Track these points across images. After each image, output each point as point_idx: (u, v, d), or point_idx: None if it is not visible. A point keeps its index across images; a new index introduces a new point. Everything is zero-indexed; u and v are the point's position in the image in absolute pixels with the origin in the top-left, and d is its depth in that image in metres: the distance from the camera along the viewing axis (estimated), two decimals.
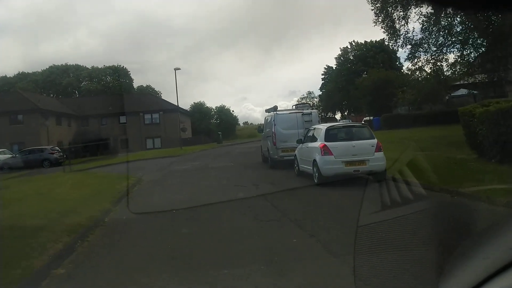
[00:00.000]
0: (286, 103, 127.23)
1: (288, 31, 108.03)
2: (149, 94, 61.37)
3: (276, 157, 16.60)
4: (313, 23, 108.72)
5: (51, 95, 64.24)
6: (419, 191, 7.11)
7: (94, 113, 52.71)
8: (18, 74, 71.30)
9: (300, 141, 14.43)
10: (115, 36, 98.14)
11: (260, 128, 21.84)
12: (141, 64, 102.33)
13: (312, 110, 18.23)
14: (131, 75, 74.60)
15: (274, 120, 16.90)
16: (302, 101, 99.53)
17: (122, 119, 52.75)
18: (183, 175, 17.53)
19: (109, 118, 52.70)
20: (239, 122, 71.28)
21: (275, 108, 18.04)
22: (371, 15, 21.33)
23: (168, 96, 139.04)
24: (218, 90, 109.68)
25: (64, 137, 48.40)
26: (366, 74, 55.68)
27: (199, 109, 65.44)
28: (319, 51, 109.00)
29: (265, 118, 19.94)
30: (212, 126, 66.37)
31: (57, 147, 32.50)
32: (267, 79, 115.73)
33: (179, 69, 35.23)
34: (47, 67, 70.62)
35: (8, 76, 71.04)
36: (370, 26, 50.49)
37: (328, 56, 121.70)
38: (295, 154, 14.56)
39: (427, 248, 4.62)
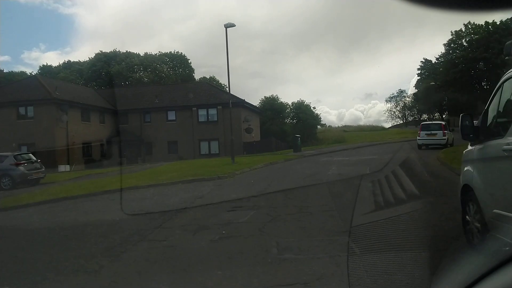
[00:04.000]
0: (363, 106, 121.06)
1: (368, 33, 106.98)
2: (205, 84, 50.07)
3: None
4: (394, 24, 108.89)
5: (96, 86, 55.43)
6: None
7: (135, 107, 42.29)
8: (64, 63, 64.04)
9: None
10: (195, 40, 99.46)
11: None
12: (219, 68, 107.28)
13: None
14: (192, 65, 64.25)
15: None
16: (392, 101, 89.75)
17: (171, 115, 41.81)
18: None
19: (154, 114, 41.96)
20: (321, 122, 57.72)
21: None
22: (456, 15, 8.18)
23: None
24: (292, 92, 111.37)
25: (93, 136, 38.27)
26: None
27: (271, 105, 53.02)
28: (398, 53, 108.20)
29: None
30: (287, 127, 53.66)
31: (30, 154, 21.55)
32: (343, 81, 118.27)
33: (233, 25, 22.84)
34: (94, 54, 62.40)
35: (53, 66, 64.18)
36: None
37: (408, 58, 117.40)
38: None
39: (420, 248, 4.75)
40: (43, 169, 20.81)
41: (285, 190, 11.67)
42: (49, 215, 10.95)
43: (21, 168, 19.41)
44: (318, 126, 57.59)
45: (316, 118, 54.37)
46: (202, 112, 41.58)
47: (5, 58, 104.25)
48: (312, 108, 54.38)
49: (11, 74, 58.26)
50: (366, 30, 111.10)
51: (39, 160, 21.11)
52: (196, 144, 40.73)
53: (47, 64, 64.91)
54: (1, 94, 35.41)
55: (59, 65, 63.55)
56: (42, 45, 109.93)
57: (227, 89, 53.84)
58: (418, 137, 26.34)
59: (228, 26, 22.80)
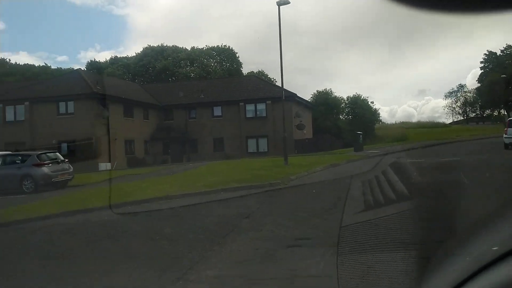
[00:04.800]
0: (416, 103, 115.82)
1: (420, 27, 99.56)
2: (254, 77, 46.97)
3: None
4: (449, 18, 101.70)
5: (142, 82, 53.78)
6: None
7: (180, 102, 39.87)
8: (111, 58, 62.97)
9: None
10: (243, 38, 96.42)
11: None
12: (266, 65, 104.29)
13: None
14: (239, 58, 61.40)
15: None
16: (451, 96, 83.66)
17: (217, 110, 39.04)
18: None
19: (199, 110, 39.36)
20: (380, 118, 53.10)
21: None
22: None
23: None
24: (341, 88, 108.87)
25: (136, 133, 36.17)
26: None
27: (324, 100, 49.22)
28: (453, 47, 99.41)
29: None
30: (342, 123, 49.75)
31: (57, 153, 19.11)
32: (394, 78, 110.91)
33: (287, 2, 19.48)
34: (141, 49, 60.96)
35: (101, 61, 63.33)
36: None
37: (463, 52, 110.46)
38: None
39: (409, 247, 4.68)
40: (71, 170, 18.38)
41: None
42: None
43: (44, 169, 17.01)
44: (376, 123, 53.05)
45: (374, 114, 50.07)
46: (249, 107, 38.56)
47: (63, 58, 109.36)
48: (370, 103, 50.07)
49: (59, 71, 57.81)
50: (418, 24, 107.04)
51: (66, 160, 18.70)
52: (243, 141, 37.79)
53: (95, 59, 64.27)
54: (43, 89, 33.96)
55: (107, 61, 62.61)
56: (98, 45, 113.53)
57: (277, 83, 50.67)
58: (505, 135, 22.15)
59: (281, 3, 19.53)
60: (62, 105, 32.37)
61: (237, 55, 60.93)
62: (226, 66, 59.89)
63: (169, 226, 8.14)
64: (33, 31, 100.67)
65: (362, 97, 50.46)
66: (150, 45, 60.17)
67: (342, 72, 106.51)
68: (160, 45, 60.17)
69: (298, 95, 38.81)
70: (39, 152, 18.07)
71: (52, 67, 62.27)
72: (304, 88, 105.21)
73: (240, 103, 38.13)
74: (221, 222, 8.07)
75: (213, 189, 12.00)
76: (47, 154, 18.17)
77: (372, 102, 51.64)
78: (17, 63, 62.98)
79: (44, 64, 63.00)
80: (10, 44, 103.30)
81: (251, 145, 37.91)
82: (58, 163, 17.87)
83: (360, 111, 48.44)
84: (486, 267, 1.47)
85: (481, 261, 1.51)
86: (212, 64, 59.75)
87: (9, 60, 62.95)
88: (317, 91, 51.70)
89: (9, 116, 33.21)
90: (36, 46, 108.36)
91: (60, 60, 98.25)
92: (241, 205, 9.83)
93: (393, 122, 79.26)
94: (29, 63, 64.08)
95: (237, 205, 9.83)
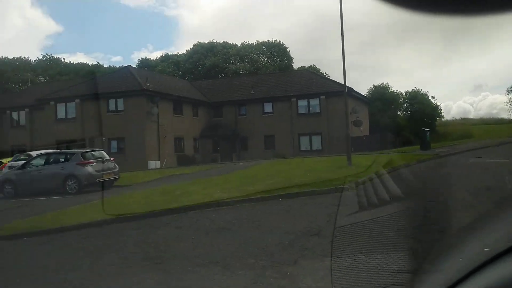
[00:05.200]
0: (473, 98, 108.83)
1: (476, 21, 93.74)
2: (306, 72, 44.89)
3: None
4: (507, 8, 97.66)
5: (192, 79, 53.09)
6: None
7: (230, 99, 38.62)
8: (162, 56, 62.90)
9: None
10: (293, 35, 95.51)
11: None
12: (316, 62, 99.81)
13: None
14: (290, 53, 59.48)
15: None
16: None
17: (268, 107, 37.41)
18: None
19: (250, 106, 37.90)
20: (442, 113, 49.38)
21: None
22: None
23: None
24: (394, 84, 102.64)
25: (186, 130, 35.23)
26: None
27: (381, 95, 46.51)
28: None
29: None
30: (400, 119, 46.84)
31: (103, 151, 18.00)
32: (449, 73, 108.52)
33: None
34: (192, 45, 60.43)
35: (151, 59, 63.44)
36: None
37: None
38: None
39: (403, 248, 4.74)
40: (117, 170, 17.30)
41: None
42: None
43: (88, 168, 15.99)
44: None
45: (435, 109, 46.61)
46: (302, 103, 36.65)
47: (118, 58, 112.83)
48: (431, 98, 46.75)
49: (111, 69, 58.25)
50: (474, 18, 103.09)
51: (112, 159, 17.65)
52: (295, 139, 35.96)
53: (145, 57, 64.44)
54: (93, 86, 33.68)
55: (157, 59, 62.60)
56: (150, 46, 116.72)
57: (330, 77, 48.14)
58: None
59: None
60: (112, 102, 31.84)
61: (287, 49, 59.13)
62: (277, 61, 58.18)
63: (221, 244, 6.55)
64: (89, 33, 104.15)
65: (421, 92, 47.24)
66: (200, 42, 59.54)
67: (394, 68, 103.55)
68: (210, 41, 59.37)
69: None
70: (84, 150, 17.12)
71: (105, 65, 63.00)
72: (356, 84, 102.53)
73: (292, 99, 36.32)
74: (285, 241, 6.37)
75: (270, 194, 10.32)
76: (92, 152, 17.19)
77: (433, 97, 48.03)
78: (71, 62, 64.24)
79: (97, 63, 63.93)
80: (67, 45, 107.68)
81: (304, 143, 36.02)
82: (103, 162, 16.84)
83: (420, 107, 45.27)
84: (478, 268, 1.49)
85: (474, 262, 1.53)
86: (262, 60, 58.23)
87: (64, 59, 64.30)
88: (373, 85, 49.05)
89: (60, 113, 33.14)
90: (92, 47, 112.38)
91: (114, 60, 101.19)
92: (306, 216, 8.10)
93: (449, 118, 74.83)
94: (82, 62, 65.30)
95: (301, 217, 8.11)
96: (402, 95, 48.86)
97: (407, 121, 46.56)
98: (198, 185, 13.36)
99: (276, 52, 58.64)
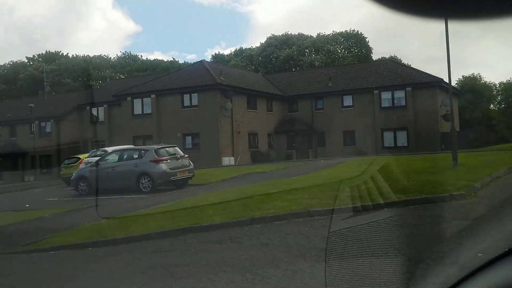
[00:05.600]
0: None
1: None
2: (389, 62, 41.79)
3: None
4: None
5: (265, 73, 51.92)
6: None
7: (306, 92, 36.84)
8: (235, 50, 62.34)
9: None
10: (366, 27, 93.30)
11: None
12: (396, 52, 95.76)
13: None
14: (369, 43, 56.40)
15: None
16: None
17: (347, 100, 35.18)
18: None
19: (327, 99, 35.88)
20: None
21: None
22: None
23: None
24: (485, 75, 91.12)
25: (260, 126, 34.02)
26: None
27: (471, 87, 42.42)
28: None
29: None
30: (493, 113, 42.50)
31: (177, 148, 16.91)
32: None
33: None
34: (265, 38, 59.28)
35: (225, 54, 63.17)
36: None
37: None
38: None
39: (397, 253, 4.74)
40: (192, 167, 16.27)
41: None
42: None
43: (162, 165, 15.05)
44: None
45: None
46: (385, 96, 33.98)
47: (192, 56, 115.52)
48: None
49: (185, 65, 58.62)
50: None
51: (186, 156, 16.65)
52: (378, 135, 33.43)
53: (219, 53, 64.32)
54: (168, 81, 33.41)
55: (231, 53, 62.16)
56: (223, 43, 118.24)
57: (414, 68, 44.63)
58: None
59: None
60: (186, 97, 31.29)
61: (366, 39, 56.08)
62: (355, 52, 55.41)
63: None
64: (165, 32, 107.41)
65: None
66: (273, 35, 58.19)
67: (477, 60, 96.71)
68: (284, 33, 57.79)
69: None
70: (157, 147, 16.22)
71: (180, 62, 63.71)
72: (439, 76, 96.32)
73: (375, 91, 33.77)
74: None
75: (369, 203, 8.52)
76: (166, 149, 16.28)
77: None
78: (148, 59, 65.64)
79: (172, 59, 64.81)
80: (145, 45, 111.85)
81: (388, 139, 33.38)
82: (177, 159, 15.87)
83: None
84: (472, 273, 1.50)
85: (468, 268, 1.55)
86: (339, 51, 55.73)
87: (141, 56, 65.82)
88: (462, 76, 45.00)
89: (137, 109, 33.21)
90: (168, 46, 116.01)
91: (189, 58, 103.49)
92: (425, 234, 6.25)
93: None
94: (158, 59, 66.53)
95: (421, 235, 6.27)
96: (496, 86, 44.37)
97: (501, 115, 42.18)
98: (279, 187, 11.81)
99: (354, 43, 55.90)
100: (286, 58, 54.28)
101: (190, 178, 16.19)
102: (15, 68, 62.96)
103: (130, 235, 7.79)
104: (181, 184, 15.96)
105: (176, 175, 15.34)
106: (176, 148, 17.17)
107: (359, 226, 5.99)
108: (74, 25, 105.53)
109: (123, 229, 8.40)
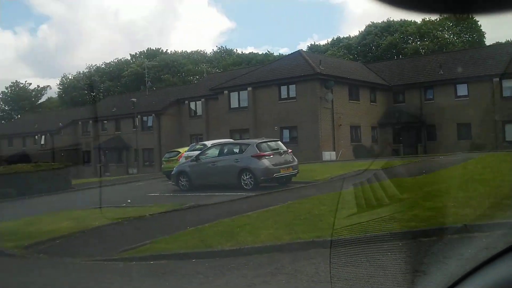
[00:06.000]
0: None
1: None
2: (510, 45, 36.94)
3: None
4: None
5: (365, 62, 49.09)
6: None
7: (413, 81, 33.78)
8: (332, 40, 60.01)
9: None
10: None
11: None
12: (507, 39, 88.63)
13: None
14: (481, 28, 50.95)
15: None
16: None
17: (461, 89, 31.60)
18: None
19: (438, 89, 32.54)
20: None
21: None
22: None
23: None
24: None
25: (362, 118, 31.76)
26: None
27: None
28: None
29: None
30: None
31: (279, 142, 15.47)
32: None
33: None
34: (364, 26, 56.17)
35: (321, 44, 61.09)
36: None
37: None
38: None
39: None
40: (296, 163, 14.87)
41: None
42: None
43: (265, 161, 13.81)
44: None
45: None
46: (507, 84, 29.95)
47: (285, 50, 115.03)
48: None
49: (280, 56, 57.54)
50: None
51: (290, 151, 15.27)
52: (498, 128, 29.63)
53: (314, 43, 62.39)
54: (264, 73, 32.42)
55: (327, 43, 59.96)
56: (315, 35, 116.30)
57: None
58: None
59: None
60: (283, 89, 30.00)
61: (478, 23, 50.69)
62: (465, 37, 50.39)
63: None
64: (258, 27, 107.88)
65: None
66: (373, 22, 54.92)
67: None
68: (386, 20, 54.28)
69: None
70: (259, 141, 15.00)
71: (275, 54, 62.86)
72: None
73: (494, 79, 29.88)
74: None
75: None
76: (268, 143, 15.05)
77: None
78: (243, 52, 65.64)
79: (267, 52, 64.11)
80: (239, 40, 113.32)
81: (510, 132, 29.41)
82: (280, 154, 14.57)
83: None
84: (478, 268, 1.50)
85: (473, 262, 1.55)
86: (447, 36, 51.01)
87: (236, 50, 66.02)
88: None
89: (233, 102, 32.65)
90: (261, 40, 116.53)
91: (281, 52, 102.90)
92: None
93: None
94: (253, 52, 66.30)
95: None
96: None
97: None
98: (406, 190, 9.92)
99: (464, 27, 50.82)
100: (388, 46, 50.90)
101: (294, 175, 14.80)
102: (120, 65, 66.43)
103: (240, 247, 6.53)
104: (284, 182, 14.64)
105: (279, 172, 14.04)
106: (279, 142, 15.88)
107: None
108: (172, 24, 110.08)
109: (229, 237, 7.18)
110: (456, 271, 1.60)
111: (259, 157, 13.92)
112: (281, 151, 14.80)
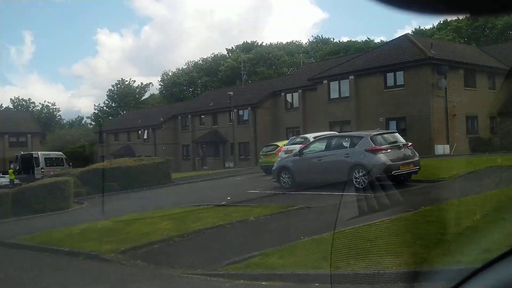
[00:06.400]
0: None
1: None
2: None
3: None
4: None
5: (478, 45, 44.26)
6: None
7: None
8: (439, 23, 55.19)
9: None
10: None
11: None
12: None
13: None
14: None
15: None
16: None
17: None
18: None
19: None
20: None
21: None
22: None
23: None
24: None
25: (480, 107, 28.19)
26: None
27: None
28: None
29: None
30: None
31: (397, 134, 13.36)
32: None
33: None
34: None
35: (426, 28, 56.59)
36: None
37: None
38: None
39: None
40: (417, 159, 12.79)
41: None
42: None
43: (381, 156, 11.95)
44: None
45: None
46: None
47: (382, 38, 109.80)
48: None
49: (382, 43, 54.20)
50: None
51: (410, 144, 13.24)
52: None
53: (419, 27, 57.93)
54: (367, 60, 30.11)
55: (433, 27, 55.28)
56: (414, 22, 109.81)
57: None
58: None
59: None
60: (389, 76, 27.51)
61: None
62: None
63: None
64: (352, 17, 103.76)
65: None
66: None
67: None
68: None
69: None
70: (374, 133, 13.12)
71: (375, 41, 59.49)
72: None
73: None
74: None
75: None
76: (384, 135, 13.16)
77: None
78: (341, 41, 62.99)
79: (367, 39, 60.85)
80: (333, 31, 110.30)
81: None
82: (399, 148, 12.63)
83: None
84: (483, 267, 1.47)
85: (470, 268, 1.55)
86: None
87: (333, 39, 63.58)
88: None
89: (333, 93, 30.76)
90: (355, 30, 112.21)
91: (378, 42, 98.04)
92: None
93: None
94: (352, 40, 63.37)
95: None
96: None
97: None
98: None
99: None
100: (503, 27, 45.45)
101: (415, 172, 12.77)
102: (216, 60, 67.31)
103: (379, 271, 4.97)
104: (402, 180, 12.70)
105: (399, 169, 12.12)
106: (396, 134, 13.88)
107: None
108: (265, 18, 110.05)
109: (361, 254, 5.63)
110: (455, 275, 1.58)
111: (375, 151, 12.10)
112: (400, 144, 12.84)
